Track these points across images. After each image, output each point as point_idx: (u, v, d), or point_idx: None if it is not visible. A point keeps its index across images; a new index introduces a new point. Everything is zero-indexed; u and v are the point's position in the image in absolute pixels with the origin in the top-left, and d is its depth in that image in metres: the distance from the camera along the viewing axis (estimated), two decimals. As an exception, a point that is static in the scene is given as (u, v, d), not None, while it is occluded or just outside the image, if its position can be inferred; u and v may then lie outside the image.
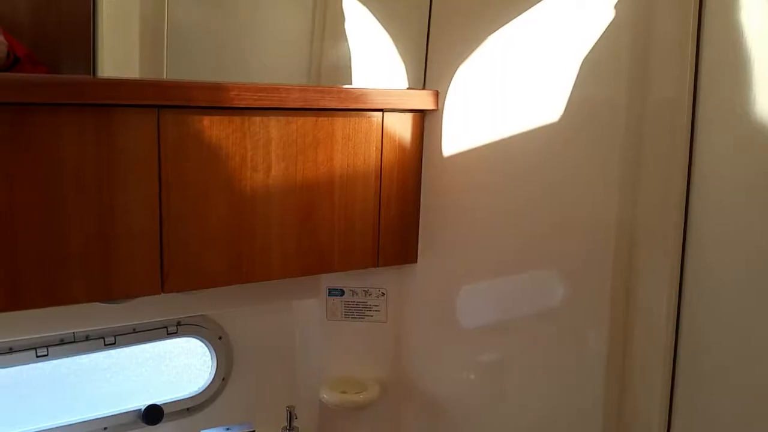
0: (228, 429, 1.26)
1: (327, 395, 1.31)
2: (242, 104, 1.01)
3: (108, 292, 1.00)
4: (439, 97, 1.20)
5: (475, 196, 1.18)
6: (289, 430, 1.28)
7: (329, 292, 1.35)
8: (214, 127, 1.01)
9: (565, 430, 1.06)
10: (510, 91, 1.10)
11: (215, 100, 0.99)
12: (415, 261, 1.29)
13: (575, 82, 1.00)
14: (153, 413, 1.26)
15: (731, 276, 0.89)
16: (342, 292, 1.35)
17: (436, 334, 1.30)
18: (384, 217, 1.22)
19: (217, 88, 1.00)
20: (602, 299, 0.99)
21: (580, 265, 1.03)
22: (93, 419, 1.22)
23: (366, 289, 1.34)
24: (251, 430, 1.26)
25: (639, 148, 0.97)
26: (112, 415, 1.24)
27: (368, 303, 1.35)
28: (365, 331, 1.36)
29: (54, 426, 1.18)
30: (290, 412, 1.28)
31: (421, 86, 1.22)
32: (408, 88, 1.22)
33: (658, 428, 0.95)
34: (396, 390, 1.38)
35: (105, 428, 1.23)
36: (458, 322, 1.25)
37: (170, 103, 0.97)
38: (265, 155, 1.07)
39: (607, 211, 0.99)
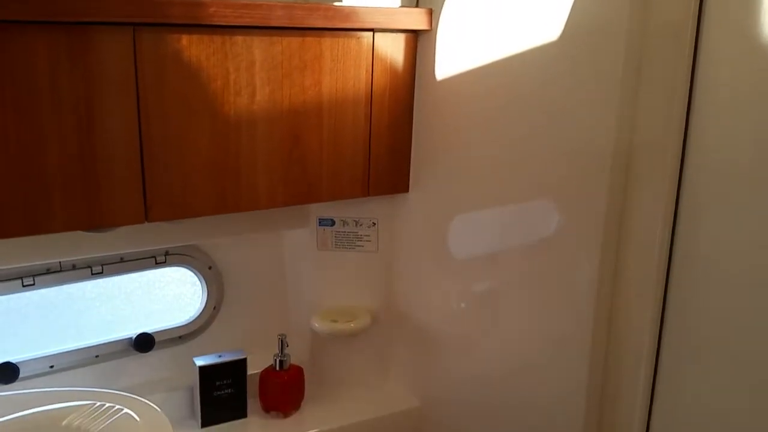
0: (220, 356, 1.26)
1: (318, 324, 1.32)
2: (222, 22, 0.96)
3: (90, 220, 0.98)
4: (432, 15, 1.14)
5: (468, 122, 1.14)
6: (280, 357, 1.29)
7: (319, 222, 1.33)
8: (193, 47, 0.97)
9: (554, 357, 1.06)
10: (507, 11, 1.04)
11: (193, 17, 0.94)
12: (407, 190, 1.26)
13: (575, 1, 0.95)
14: (144, 341, 1.26)
15: (727, 206, 0.87)
16: (332, 222, 1.33)
17: (427, 264, 1.29)
18: (374, 145, 1.18)
19: (195, 4, 0.94)
20: (595, 228, 0.97)
21: (575, 193, 1.00)
22: (84, 347, 1.22)
23: (357, 219, 1.32)
24: (243, 357, 1.27)
25: (639, 73, 0.92)
26: (103, 344, 1.24)
27: (359, 233, 1.33)
28: (356, 261, 1.35)
29: (45, 354, 1.18)
30: (282, 341, 1.28)
31: (414, 4, 1.16)
32: (400, 6, 1.16)
33: (647, 353, 0.95)
34: (387, 319, 1.38)
35: (97, 356, 1.23)
36: (450, 252, 1.23)
37: (146, 21, 0.92)
38: (249, 78, 1.02)
39: (605, 138, 0.95)
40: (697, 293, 0.91)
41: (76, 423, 0.90)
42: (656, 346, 0.95)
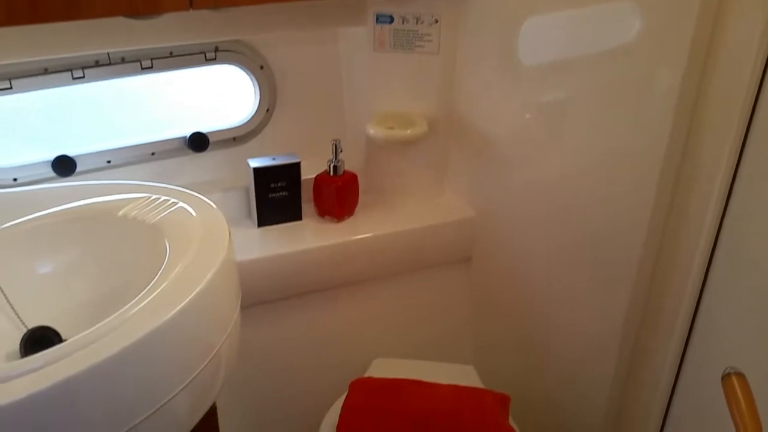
0: (274, 159, 1.24)
1: (373, 130, 1.26)
2: None
3: (131, 4, 0.91)
4: None
5: None
6: (334, 163, 1.26)
7: (377, 19, 1.22)
8: None
9: (619, 174, 0.99)
10: None
11: None
12: (474, -16, 1.13)
13: None
14: (198, 140, 1.24)
15: None
16: (391, 19, 1.21)
17: (492, 69, 1.19)
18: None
19: None
20: (682, 34, 0.84)
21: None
22: (141, 144, 1.22)
23: (418, 16, 1.20)
24: (297, 161, 1.25)
25: None
26: (158, 141, 1.23)
27: (420, 32, 1.22)
28: (415, 63, 1.26)
29: (102, 149, 1.18)
30: (335, 146, 1.25)
31: None
32: None
33: (723, 176, 0.87)
34: (445, 127, 1.32)
35: (153, 153, 1.23)
36: (518, 56, 1.12)
37: None
38: None
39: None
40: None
41: (132, 214, 0.90)
42: (733, 170, 0.86)
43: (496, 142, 1.23)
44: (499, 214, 1.28)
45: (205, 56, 1.21)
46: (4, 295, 0.82)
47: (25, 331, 0.80)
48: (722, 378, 0.67)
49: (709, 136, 0.89)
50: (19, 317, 0.82)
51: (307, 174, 1.28)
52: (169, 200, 0.94)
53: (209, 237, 0.84)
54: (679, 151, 0.92)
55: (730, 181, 0.87)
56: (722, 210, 0.89)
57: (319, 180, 1.28)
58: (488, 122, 1.24)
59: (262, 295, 1.23)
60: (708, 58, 0.86)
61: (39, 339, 0.79)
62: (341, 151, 1.26)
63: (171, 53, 1.18)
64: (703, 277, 0.94)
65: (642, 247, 0.98)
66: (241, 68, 1.26)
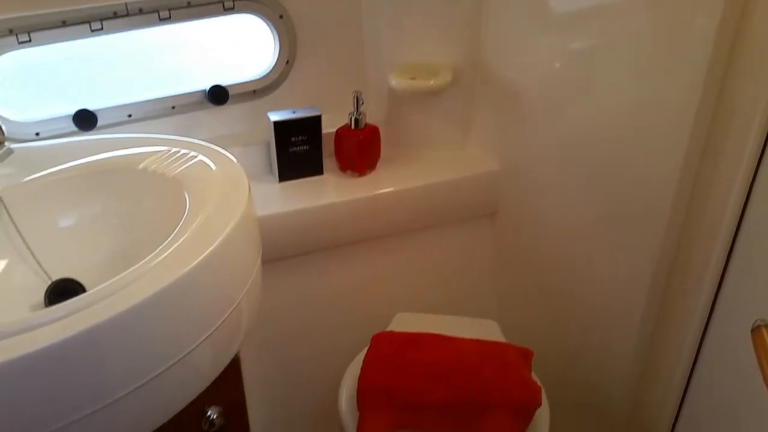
0: (294, 112, 1.23)
1: (395, 81, 1.23)
2: None
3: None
4: None
5: None
6: (355, 116, 1.24)
7: (399, -35, 1.18)
8: None
9: (653, 123, 0.95)
10: None
11: None
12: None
13: None
14: (218, 93, 1.23)
15: None
16: (414, -36, 1.17)
17: (520, 15, 1.14)
18: None
19: None
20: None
21: None
22: (162, 98, 1.21)
23: (442, -39, 1.16)
24: (318, 114, 1.23)
25: None
26: (178, 95, 1.22)
27: (443, -23, 1.18)
28: (439, 10, 1.22)
29: (123, 103, 1.17)
30: (357, 97, 1.22)
31: None
32: None
33: (758, 123, 0.83)
34: (470, 77, 1.28)
35: (173, 107, 1.22)
36: (548, 1, 1.08)
37: None
38: None
39: None
40: None
41: (152, 167, 0.90)
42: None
43: (524, 93, 1.19)
44: (526, 167, 1.25)
45: (223, 5, 1.18)
46: (28, 247, 0.83)
47: (49, 283, 0.81)
48: (752, 330, 0.65)
49: (745, 80, 0.84)
50: (43, 269, 0.83)
51: (329, 128, 1.26)
52: (189, 153, 0.93)
53: (229, 190, 0.83)
54: (714, 98, 0.88)
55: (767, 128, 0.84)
56: (758, 157, 0.85)
57: (341, 133, 1.26)
58: (515, 71, 1.20)
59: (283, 251, 1.23)
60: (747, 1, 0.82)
61: (63, 291, 0.80)
62: (363, 103, 1.23)
63: (189, 3, 1.15)
64: (735, 227, 0.91)
65: (673, 195, 0.95)
66: (260, 17, 1.23)
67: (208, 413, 0.79)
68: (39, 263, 0.83)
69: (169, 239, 0.73)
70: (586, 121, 1.07)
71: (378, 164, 1.31)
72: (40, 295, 0.80)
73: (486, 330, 1.25)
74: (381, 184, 1.26)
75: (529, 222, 1.28)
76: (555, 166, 1.17)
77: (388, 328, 1.25)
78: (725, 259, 0.93)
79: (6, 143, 0.86)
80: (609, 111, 1.02)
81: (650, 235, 1.00)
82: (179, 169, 0.89)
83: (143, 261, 0.68)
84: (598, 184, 1.09)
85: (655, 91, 0.93)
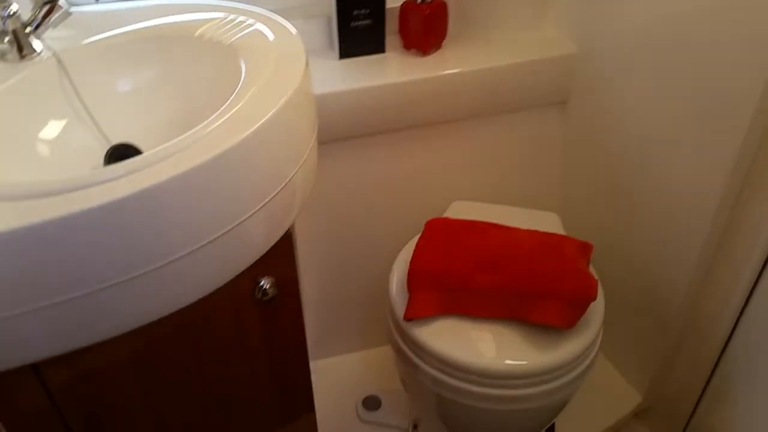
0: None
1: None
2: None
3: None
4: None
5: None
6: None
7: None
8: None
9: (745, 13, 0.85)
10: None
11: None
12: None
13: None
14: (279, -39, 1.16)
15: None
16: None
17: None
18: None
19: None
20: None
21: None
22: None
23: None
24: (382, -14, 1.15)
25: None
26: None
27: None
28: None
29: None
30: (425, -31, 1.14)
31: None
32: None
33: None
34: None
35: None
36: None
37: None
38: None
39: None
40: None
41: (208, 34, 0.87)
42: None
43: None
44: (604, 52, 1.16)
45: None
46: (87, 110, 0.83)
47: (108, 146, 0.81)
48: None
49: None
50: (102, 132, 0.83)
51: (393, 2, 1.19)
52: (246, 21, 0.89)
53: (286, 62, 0.79)
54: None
55: None
56: None
57: (406, 7, 1.19)
58: None
59: (341, 131, 1.20)
60: None
61: (122, 155, 0.81)
62: (431, -26, 1.15)
63: None
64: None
65: (759, 100, 0.86)
66: None
67: (261, 283, 0.81)
68: (98, 126, 0.83)
69: (222, 108, 0.71)
70: (674, 3, 0.97)
71: (444, 43, 1.23)
72: (99, 157, 0.81)
73: (546, 222, 1.22)
74: (446, 65, 1.19)
75: (603, 114, 1.21)
76: (636, 52, 1.08)
77: (444, 215, 1.23)
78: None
79: (64, 6, 0.84)
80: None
81: (729, 142, 0.92)
82: (236, 37, 0.86)
83: (198, 127, 0.67)
84: (679, 77, 0.99)
85: None
